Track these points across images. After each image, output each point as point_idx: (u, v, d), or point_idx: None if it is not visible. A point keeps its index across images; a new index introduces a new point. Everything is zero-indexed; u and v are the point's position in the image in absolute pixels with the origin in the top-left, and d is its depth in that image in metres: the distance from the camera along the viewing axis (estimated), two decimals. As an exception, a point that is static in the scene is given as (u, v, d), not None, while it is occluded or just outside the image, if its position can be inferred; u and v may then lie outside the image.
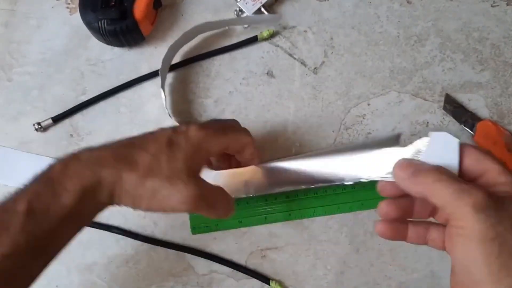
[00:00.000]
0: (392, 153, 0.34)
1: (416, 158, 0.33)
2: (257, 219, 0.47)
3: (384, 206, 0.34)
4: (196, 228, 0.47)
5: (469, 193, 0.27)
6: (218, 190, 0.38)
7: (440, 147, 0.32)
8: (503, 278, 0.26)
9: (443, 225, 0.33)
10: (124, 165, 0.34)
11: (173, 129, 0.37)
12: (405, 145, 0.34)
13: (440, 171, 0.30)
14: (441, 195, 0.28)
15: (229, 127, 0.41)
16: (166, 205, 0.34)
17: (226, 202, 0.38)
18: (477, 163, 0.30)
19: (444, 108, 0.49)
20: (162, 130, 0.37)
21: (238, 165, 0.43)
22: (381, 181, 0.34)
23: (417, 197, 0.32)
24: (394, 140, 0.38)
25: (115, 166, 0.33)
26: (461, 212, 0.27)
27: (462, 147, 0.31)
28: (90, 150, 0.34)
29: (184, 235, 0.48)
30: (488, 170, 0.30)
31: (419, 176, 0.30)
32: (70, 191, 0.32)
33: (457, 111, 0.49)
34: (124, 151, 0.35)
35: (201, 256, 0.47)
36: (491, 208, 0.27)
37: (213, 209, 0.36)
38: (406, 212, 0.34)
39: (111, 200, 0.34)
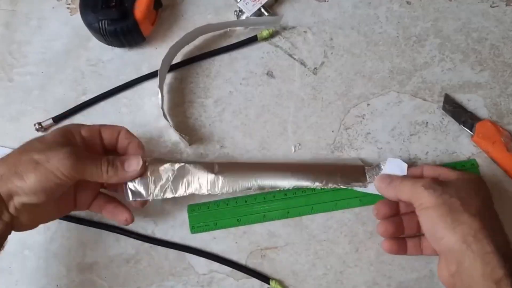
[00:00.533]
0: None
1: (374, 176, 0.45)
2: (256, 217, 0.47)
3: (381, 225, 0.43)
4: (195, 228, 0.47)
5: (420, 180, 0.40)
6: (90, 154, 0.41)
7: (394, 168, 0.45)
8: (456, 227, 0.36)
9: None
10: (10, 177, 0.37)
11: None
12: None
13: (403, 177, 0.43)
14: (405, 190, 0.40)
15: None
16: (51, 169, 0.37)
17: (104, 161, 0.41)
18: (433, 171, 0.44)
19: (444, 108, 0.49)
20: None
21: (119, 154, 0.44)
22: (377, 204, 0.44)
23: (395, 200, 0.43)
24: (361, 173, 0.46)
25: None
26: (417, 194, 0.39)
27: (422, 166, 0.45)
28: None
29: (184, 235, 0.48)
30: (441, 172, 0.43)
31: (392, 183, 0.42)
32: None
33: (457, 111, 0.49)
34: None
35: (201, 256, 0.47)
36: (436, 185, 0.39)
37: (96, 163, 0.40)
38: (399, 228, 0.43)
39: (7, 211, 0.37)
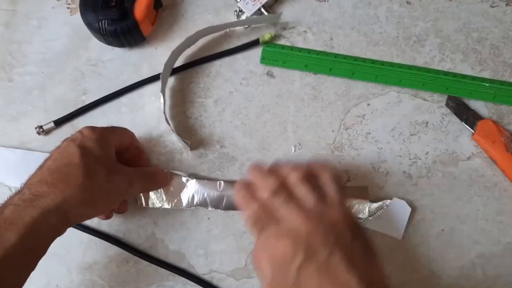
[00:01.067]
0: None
1: (378, 213, 0.46)
2: (323, 68, 0.51)
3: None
4: (265, 60, 0.51)
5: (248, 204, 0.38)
6: (140, 168, 0.45)
7: (397, 210, 0.46)
8: None
9: None
10: (61, 184, 0.36)
11: (72, 138, 0.40)
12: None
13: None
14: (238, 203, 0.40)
15: (110, 127, 0.44)
16: (119, 192, 0.40)
17: (155, 173, 0.46)
18: None
19: (447, 104, 0.49)
20: (65, 141, 0.40)
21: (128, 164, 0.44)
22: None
23: None
24: (365, 195, 0.47)
25: (53, 191, 0.36)
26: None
27: None
28: (19, 192, 0.37)
29: (183, 235, 0.48)
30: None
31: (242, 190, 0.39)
32: (12, 231, 0.34)
33: (459, 108, 0.49)
34: (51, 174, 0.37)
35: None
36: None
37: (152, 180, 0.45)
38: None
39: (66, 220, 0.37)
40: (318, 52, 0.51)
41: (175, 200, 0.47)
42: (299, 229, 0.33)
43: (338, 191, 0.36)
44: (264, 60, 0.51)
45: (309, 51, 0.51)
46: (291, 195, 0.35)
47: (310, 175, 0.37)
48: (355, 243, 0.33)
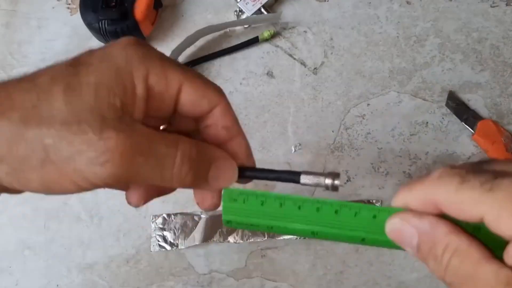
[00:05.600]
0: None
1: None
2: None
3: None
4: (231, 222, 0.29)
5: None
6: (171, 138, 0.23)
7: None
8: None
9: None
10: None
11: (91, 50, 0.24)
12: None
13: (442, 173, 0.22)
14: (468, 201, 0.20)
15: (194, 71, 0.26)
16: (69, 173, 0.20)
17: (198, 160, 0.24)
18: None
19: (447, 104, 0.49)
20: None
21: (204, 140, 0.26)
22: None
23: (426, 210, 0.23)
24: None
25: None
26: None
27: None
28: None
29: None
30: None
31: (421, 183, 0.22)
32: None
33: (459, 108, 0.49)
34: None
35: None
36: None
37: (164, 169, 0.22)
38: None
39: None
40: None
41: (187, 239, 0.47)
42: None
43: None
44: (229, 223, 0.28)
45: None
46: None
47: None
48: None
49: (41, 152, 0.20)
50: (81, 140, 0.20)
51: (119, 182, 0.21)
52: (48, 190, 0.21)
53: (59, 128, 0.20)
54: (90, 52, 0.23)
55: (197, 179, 0.24)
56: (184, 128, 0.27)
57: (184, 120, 0.27)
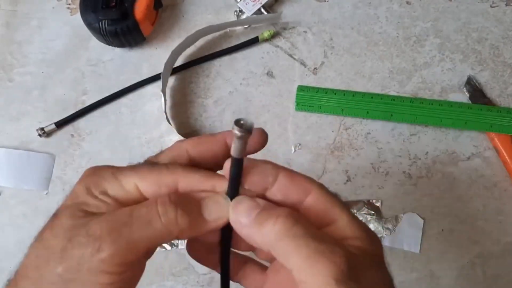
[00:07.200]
0: None
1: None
2: (359, 112, 0.49)
3: None
4: (300, 105, 0.50)
5: (328, 258, 0.21)
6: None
7: (411, 223, 0.46)
8: None
9: (262, 267, 0.29)
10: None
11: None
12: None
13: (293, 218, 0.23)
14: (292, 256, 0.22)
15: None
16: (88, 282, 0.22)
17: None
18: (324, 211, 0.25)
19: (465, 86, 0.50)
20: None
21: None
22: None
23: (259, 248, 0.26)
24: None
25: None
26: (317, 283, 0.21)
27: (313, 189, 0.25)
28: None
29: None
30: (336, 220, 0.24)
31: (265, 225, 0.23)
32: None
33: (476, 94, 0.49)
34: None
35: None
36: (351, 279, 0.21)
37: (153, 222, 0.24)
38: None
39: None
40: (354, 94, 0.49)
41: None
42: None
43: None
44: (298, 106, 0.50)
45: (344, 92, 0.50)
46: None
47: None
48: None
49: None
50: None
51: (127, 256, 0.23)
52: None
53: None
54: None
55: (193, 219, 0.24)
56: None
57: None
